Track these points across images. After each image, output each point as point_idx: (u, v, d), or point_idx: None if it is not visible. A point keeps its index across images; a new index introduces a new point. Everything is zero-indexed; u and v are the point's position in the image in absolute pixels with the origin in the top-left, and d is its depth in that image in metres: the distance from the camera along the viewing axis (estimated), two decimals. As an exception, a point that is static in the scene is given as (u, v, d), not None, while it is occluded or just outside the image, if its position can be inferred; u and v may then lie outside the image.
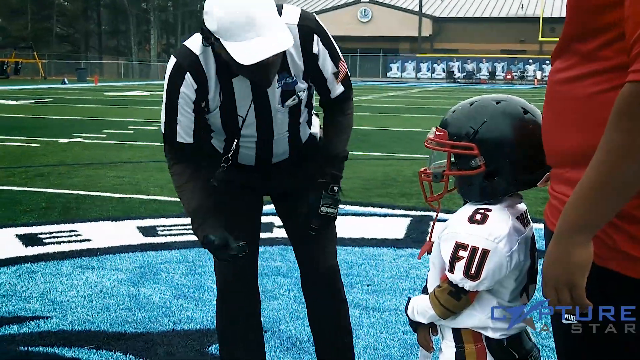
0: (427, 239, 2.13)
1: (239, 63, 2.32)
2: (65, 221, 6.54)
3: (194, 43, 2.53)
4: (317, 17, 2.66)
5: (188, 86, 2.52)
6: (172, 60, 2.56)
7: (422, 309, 2.05)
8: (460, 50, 60.52)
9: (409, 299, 2.14)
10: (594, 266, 1.50)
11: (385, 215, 6.94)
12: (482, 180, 1.96)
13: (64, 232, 6.12)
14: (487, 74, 55.70)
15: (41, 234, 6.04)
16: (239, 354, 3.01)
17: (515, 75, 54.41)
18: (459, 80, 55.66)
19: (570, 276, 1.49)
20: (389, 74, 59.86)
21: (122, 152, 11.61)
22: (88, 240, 5.87)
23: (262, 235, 3.19)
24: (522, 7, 62.62)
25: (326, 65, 2.67)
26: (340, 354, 3.09)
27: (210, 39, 2.39)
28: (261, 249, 3.02)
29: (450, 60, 57.76)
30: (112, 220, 6.62)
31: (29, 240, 5.83)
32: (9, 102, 24.88)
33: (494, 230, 1.89)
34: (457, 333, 2.02)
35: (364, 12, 63.07)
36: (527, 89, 41.75)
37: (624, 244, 1.50)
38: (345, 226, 6.31)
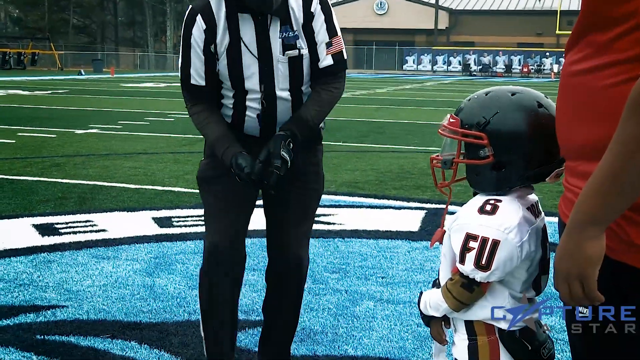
0: (440, 227, 2.13)
1: None
2: (81, 211, 6.58)
3: None
4: None
5: (198, 27, 2.78)
6: (189, 7, 2.83)
7: (434, 302, 2.05)
8: (477, 43, 60.28)
9: (421, 293, 2.15)
10: (607, 259, 1.49)
11: (400, 208, 6.94)
12: (489, 170, 1.96)
13: (79, 222, 6.16)
14: (504, 67, 55.49)
15: (57, 224, 6.08)
16: (219, 326, 3.08)
17: (532, 69, 54.17)
18: (475, 73, 55.47)
19: (582, 269, 1.47)
20: (405, 67, 59.76)
21: (137, 143, 11.65)
22: (104, 230, 5.91)
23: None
24: (539, 0, 62.22)
25: (319, 28, 2.82)
26: (280, 347, 3.25)
27: None
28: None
29: (467, 53, 57.59)
30: (127, 211, 6.65)
31: (45, 230, 5.88)
32: (26, 92, 25.04)
33: (504, 220, 1.88)
34: (469, 325, 2.02)
35: (380, 4, 62.93)
36: (544, 82, 41.50)
37: (638, 237, 1.48)
38: (360, 218, 6.33)
